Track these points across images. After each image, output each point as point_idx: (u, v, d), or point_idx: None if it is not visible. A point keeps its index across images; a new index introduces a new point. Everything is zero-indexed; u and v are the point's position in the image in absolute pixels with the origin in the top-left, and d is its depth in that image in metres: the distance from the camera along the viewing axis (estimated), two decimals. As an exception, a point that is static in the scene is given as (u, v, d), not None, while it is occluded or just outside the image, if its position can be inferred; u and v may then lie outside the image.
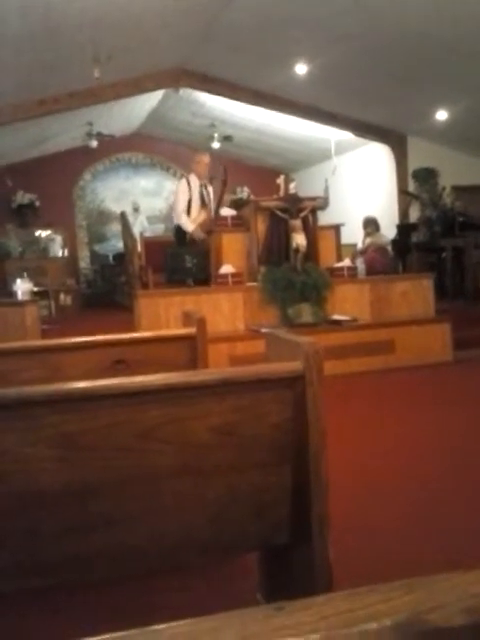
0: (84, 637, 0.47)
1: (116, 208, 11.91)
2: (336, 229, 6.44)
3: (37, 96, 7.56)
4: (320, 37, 6.74)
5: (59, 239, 11.71)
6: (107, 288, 11.40)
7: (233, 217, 6.22)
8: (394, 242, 8.79)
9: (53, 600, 1.83)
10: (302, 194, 6.16)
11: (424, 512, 2.49)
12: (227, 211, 6.42)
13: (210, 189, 6.70)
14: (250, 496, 1.53)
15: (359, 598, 0.46)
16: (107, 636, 0.43)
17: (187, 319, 2.45)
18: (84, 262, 12.24)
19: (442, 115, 8.47)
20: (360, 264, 7.98)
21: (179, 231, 6.65)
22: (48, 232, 11.57)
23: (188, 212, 6.52)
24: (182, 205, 6.54)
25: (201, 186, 6.59)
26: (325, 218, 6.61)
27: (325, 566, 1.52)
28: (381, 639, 0.42)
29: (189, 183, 6.58)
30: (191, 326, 2.36)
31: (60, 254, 11.70)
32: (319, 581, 1.50)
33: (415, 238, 8.57)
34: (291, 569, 1.67)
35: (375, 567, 2.00)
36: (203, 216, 6.47)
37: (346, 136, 9.74)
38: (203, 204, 6.56)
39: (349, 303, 5.94)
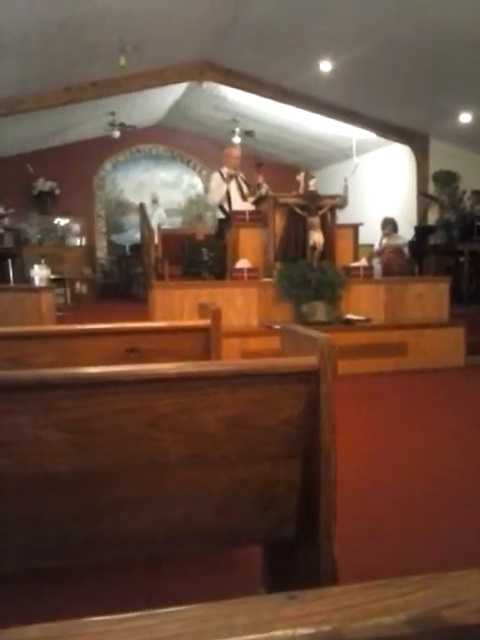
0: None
1: (135, 199, 11.93)
2: (354, 228, 6.40)
3: (62, 84, 7.59)
4: (346, 33, 6.69)
5: (77, 228, 11.75)
6: (123, 279, 11.43)
7: (251, 212, 6.21)
8: (411, 244, 8.73)
9: (56, 581, 1.84)
10: (321, 192, 6.13)
11: (429, 514, 2.47)
12: (245, 206, 6.41)
13: (241, 182, 6.73)
14: (258, 489, 1.53)
15: (373, 591, 0.45)
16: (121, 616, 0.43)
17: (203, 310, 2.45)
18: (101, 252, 12.28)
19: (466, 117, 8.39)
20: (376, 264, 7.93)
21: (222, 224, 6.68)
22: (67, 220, 11.61)
23: (229, 204, 6.55)
24: (219, 196, 6.59)
25: (234, 178, 6.62)
26: (343, 217, 6.58)
27: (330, 563, 1.52)
28: (396, 633, 0.41)
29: (223, 176, 6.62)
30: (206, 318, 2.35)
31: (78, 243, 11.75)
32: (323, 578, 1.50)
33: (432, 241, 8.51)
34: (295, 564, 1.67)
35: (377, 567, 1.99)
36: (245, 206, 6.48)
37: (367, 136, 9.67)
38: (242, 195, 6.60)
39: (363, 303, 5.91)
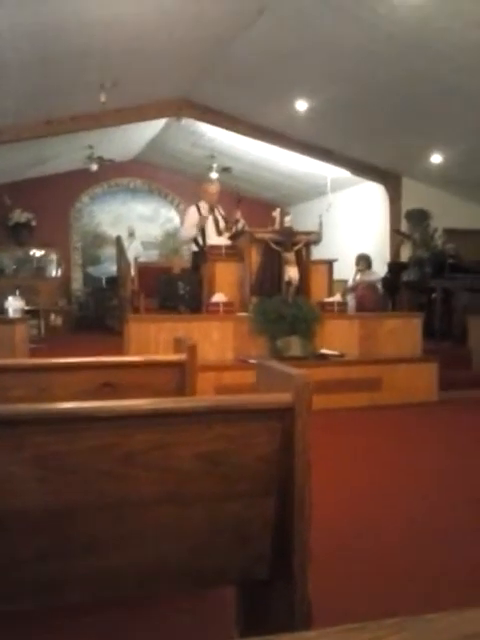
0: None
1: (112, 232, 11.96)
2: (329, 264, 6.48)
3: (42, 117, 7.64)
4: (322, 75, 6.89)
5: (53, 259, 11.71)
6: (98, 311, 11.36)
7: (227, 247, 6.26)
8: (384, 280, 8.86)
9: (23, 624, 1.78)
10: (296, 228, 6.21)
11: (399, 551, 2.46)
12: (221, 240, 6.47)
13: (219, 216, 6.76)
14: (232, 528, 1.51)
15: (349, 635, 0.45)
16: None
17: (178, 345, 2.45)
18: (77, 284, 12.22)
19: (437, 158, 8.63)
20: (350, 300, 8.03)
21: (196, 257, 6.69)
22: (43, 252, 11.57)
23: (203, 238, 6.57)
24: (193, 231, 6.61)
25: (211, 212, 6.65)
26: (318, 253, 6.67)
27: (305, 603, 1.50)
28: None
29: (199, 209, 6.65)
30: (182, 352, 2.35)
31: (53, 274, 11.69)
32: (298, 619, 1.48)
33: (405, 277, 8.65)
34: (269, 605, 1.64)
35: (351, 605, 1.97)
36: (220, 241, 6.50)
37: (342, 173, 9.88)
38: (218, 230, 6.64)
39: (338, 338, 5.95)
